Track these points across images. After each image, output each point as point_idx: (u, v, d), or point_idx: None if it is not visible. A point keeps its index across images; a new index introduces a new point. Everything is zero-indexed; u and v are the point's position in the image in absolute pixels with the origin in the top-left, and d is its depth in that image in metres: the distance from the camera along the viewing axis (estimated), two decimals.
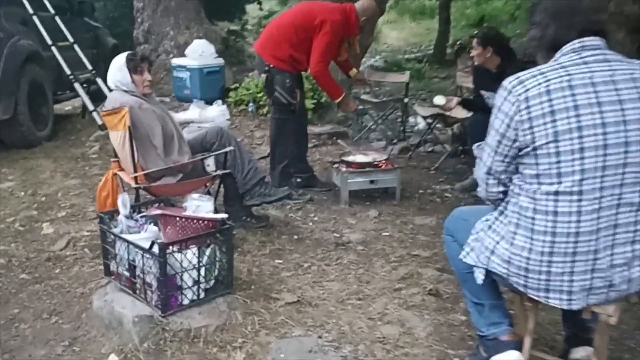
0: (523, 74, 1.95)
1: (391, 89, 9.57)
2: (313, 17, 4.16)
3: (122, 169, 3.51)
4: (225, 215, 2.85)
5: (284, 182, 4.42)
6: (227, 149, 3.45)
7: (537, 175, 1.92)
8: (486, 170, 2.08)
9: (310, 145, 5.75)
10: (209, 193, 3.63)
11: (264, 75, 4.32)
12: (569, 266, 1.90)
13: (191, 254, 2.65)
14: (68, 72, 6.27)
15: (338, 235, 3.78)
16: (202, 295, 2.75)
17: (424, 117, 5.52)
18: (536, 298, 2.00)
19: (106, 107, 3.38)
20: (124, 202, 2.85)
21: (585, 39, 1.94)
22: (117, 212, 2.87)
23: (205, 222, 2.73)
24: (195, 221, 2.70)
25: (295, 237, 3.76)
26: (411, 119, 6.72)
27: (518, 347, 2.18)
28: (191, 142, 3.63)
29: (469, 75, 5.62)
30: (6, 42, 5.61)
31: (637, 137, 1.85)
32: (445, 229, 2.47)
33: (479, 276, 2.12)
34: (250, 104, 6.47)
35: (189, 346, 2.53)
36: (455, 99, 4.56)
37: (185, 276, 2.66)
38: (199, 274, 2.70)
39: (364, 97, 6.38)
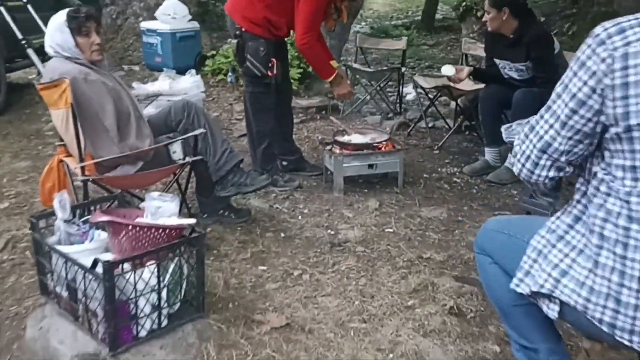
0: (624, 20, 1.34)
1: (378, 57, 8.90)
2: None
3: (69, 155, 2.85)
4: (193, 221, 2.22)
5: (267, 165, 3.79)
6: (197, 131, 2.80)
7: (634, 169, 1.34)
8: (541, 146, 1.49)
9: (296, 120, 5.11)
10: (177, 184, 2.99)
11: (234, 41, 3.63)
12: None
13: (148, 272, 2.03)
14: (20, 36, 5.48)
15: (333, 232, 3.18)
16: (164, 322, 2.14)
17: (424, 89, 4.89)
18: (628, 344, 1.43)
19: (44, 78, 2.70)
20: (61, 202, 2.20)
21: None
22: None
23: (168, 230, 2.10)
24: (153, 230, 2.07)
25: (282, 235, 3.15)
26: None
27: None
28: (153, 120, 2.96)
29: (477, 42, 5.00)
30: None
31: None
32: (476, 246, 1.88)
33: (553, 309, 1.52)
34: (230, 74, 5.79)
35: None
36: (466, 69, 3.93)
37: (142, 301, 2.05)
38: (159, 298, 2.09)
39: (356, 66, 5.71)
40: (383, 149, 3.74)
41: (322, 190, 3.76)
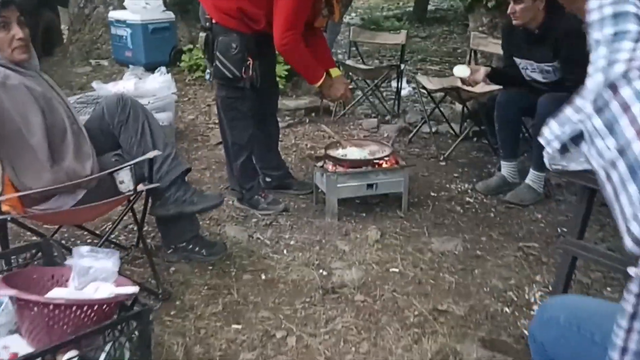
0: None
1: (369, 50, 8.26)
2: None
3: None
4: (134, 289, 1.61)
5: (246, 183, 3.18)
6: (151, 154, 2.18)
7: None
8: None
9: (282, 124, 4.50)
10: (132, 212, 2.37)
11: (203, 35, 3.01)
12: None
13: None
14: None
15: (325, 273, 2.58)
16: None
17: (427, 91, 4.29)
18: None
19: None
20: None
21: None
22: None
23: (97, 307, 1.49)
24: (75, 309, 1.46)
25: (264, 277, 2.55)
26: (393, 84, 5.39)
27: None
28: (87, 128, 2.34)
29: (488, 36, 4.39)
30: None
31: None
32: (532, 339, 1.32)
33: None
34: (207, 71, 5.12)
35: None
36: (483, 70, 3.34)
37: None
38: None
39: (349, 62, 5.10)
40: (384, 165, 3.14)
41: (312, 215, 3.16)
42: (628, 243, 0.89)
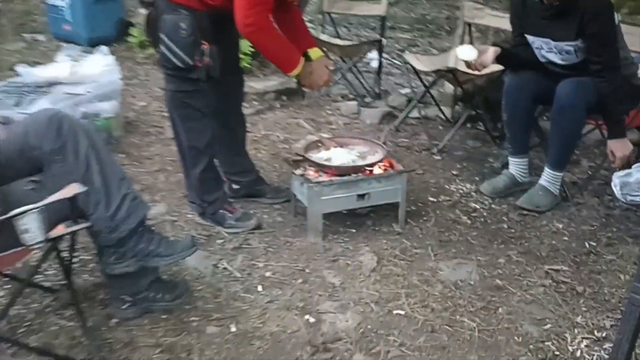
0: None
1: (337, 19, 7.58)
2: None
3: None
4: None
5: (208, 195, 2.59)
6: (71, 190, 1.56)
7: None
8: None
9: (250, 111, 3.90)
10: (58, 257, 1.76)
11: (144, 11, 2.37)
12: None
13: None
14: None
15: (313, 319, 2.03)
16: None
17: (417, 72, 3.72)
18: None
19: None
20: None
21: None
22: None
23: None
24: None
25: (233, 329, 1.99)
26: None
27: None
28: (2, 150, 1.71)
29: (484, 7, 3.83)
30: None
31: None
32: None
33: None
34: None
35: None
36: (492, 51, 2.77)
37: None
38: None
39: (324, 38, 4.47)
40: (378, 169, 2.57)
41: (291, 232, 2.59)
42: None
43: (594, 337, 1.95)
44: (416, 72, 3.73)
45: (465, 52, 2.73)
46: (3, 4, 5.72)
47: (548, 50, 2.79)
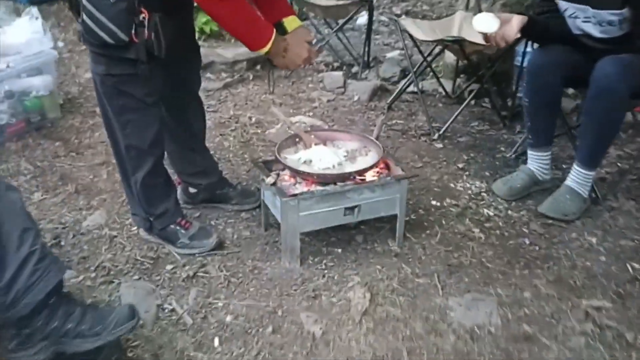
0: None
1: None
2: None
3: None
4: None
5: (155, 207, 2.04)
6: None
7: None
8: None
9: (217, 84, 3.32)
10: None
11: None
12: None
13: None
14: None
15: None
16: None
17: (415, 41, 3.12)
18: None
19: None
20: None
21: None
22: None
23: None
24: None
25: None
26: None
27: None
28: None
29: None
30: None
31: None
32: None
33: None
34: None
35: None
36: (516, 21, 2.19)
37: None
38: None
39: None
40: (371, 175, 2.02)
41: (260, 252, 2.05)
42: None
43: None
44: (414, 41, 3.13)
45: (483, 22, 2.15)
46: None
47: (585, 19, 2.22)
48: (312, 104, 3.35)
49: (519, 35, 2.22)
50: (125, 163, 1.97)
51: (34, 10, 2.81)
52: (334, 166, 1.99)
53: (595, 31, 2.22)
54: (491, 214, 2.33)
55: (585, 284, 1.95)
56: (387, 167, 2.08)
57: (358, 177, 1.96)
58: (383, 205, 2.02)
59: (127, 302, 1.76)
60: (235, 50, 3.72)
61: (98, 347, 1.51)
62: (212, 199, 2.30)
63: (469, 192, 2.48)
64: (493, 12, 2.21)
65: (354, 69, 3.90)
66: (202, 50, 2.14)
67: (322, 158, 2.01)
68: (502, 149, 2.88)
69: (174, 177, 2.22)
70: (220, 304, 1.81)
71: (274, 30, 1.81)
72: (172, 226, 2.05)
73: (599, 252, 2.11)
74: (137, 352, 1.61)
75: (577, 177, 2.32)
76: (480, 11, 3.08)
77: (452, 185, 2.54)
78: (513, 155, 2.78)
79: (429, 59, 3.25)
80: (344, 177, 1.94)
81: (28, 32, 2.72)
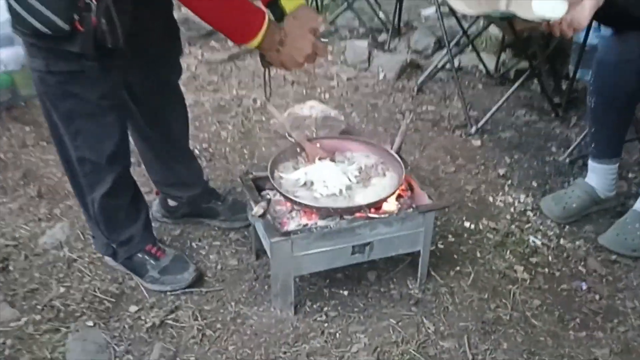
0: None
1: None
2: None
3: None
4: None
5: (117, 234, 1.65)
6: None
7: None
8: None
9: (218, 56, 2.89)
10: None
11: None
12: None
13: None
14: None
15: None
16: None
17: (456, 16, 2.60)
18: None
19: None
20: None
21: None
22: None
23: None
24: None
25: None
26: None
27: None
28: None
29: None
30: None
31: None
32: None
33: None
34: None
35: None
36: (589, 3, 1.67)
37: None
38: None
39: None
40: (388, 205, 1.58)
41: (247, 291, 1.66)
42: None
43: None
44: (453, 12, 2.61)
45: (547, 6, 1.63)
46: None
47: None
48: (330, 82, 2.88)
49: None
50: (79, 179, 1.56)
51: None
52: (341, 192, 1.55)
53: None
54: (539, 243, 1.87)
55: None
56: (411, 188, 1.64)
57: (371, 209, 1.52)
58: (403, 241, 1.59)
59: None
60: None
61: None
62: (196, 214, 1.89)
63: (511, 210, 2.02)
64: None
65: (381, 37, 3.39)
66: None
67: (327, 179, 1.57)
68: (554, 149, 2.39)
69: (147, 190, 1.82)
70: None
71: (266, 16, 1.35)
72: (139, 255, 1.66)
73: None
74: None
75: None
76: None
77: (490, 199, 2.08)
78: (567, 160, 2.29)
79: (470, 32, 2.73)
80: (353, 211, 1.51)
81: None
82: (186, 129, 1.81)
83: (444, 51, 2.77)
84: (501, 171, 2.23)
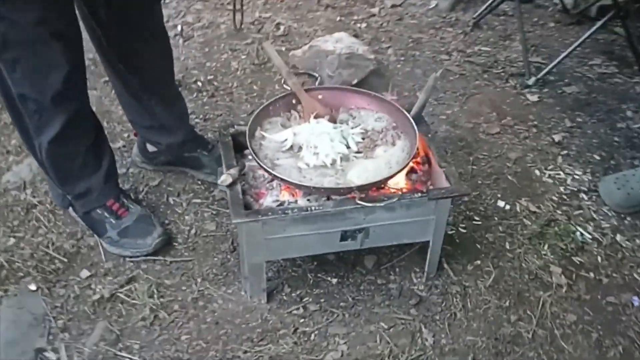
0: None
1: None
2: None
3: None
4: None
5: (73, 182, 1.41)
6: None
7: None
8: None
9: None
10: None
11: None
12: None
13: None
14: None
15: None
16: None
17: None
18: None
19: None
20: None
21: None
22: None
23: None
24: None
25: None
26: None
27: None
28: None
29: None
30: None
31: None
32: None
33: None
34: None
35: None
36: None
37: None
38: None
39: None
40: (393, 186, 1.25)
41: (218, 266, 1.40)
42: None
43: None
44: None
45: None
46: None
47: None
48: (371, 9, 2.46)
49: None
50: (24, 119, 1.30)
51: None
52: (334, 162, 1.23)
53: None
54: (588, 238, 1.51)
55: None
56: (428, 161, 1.29)
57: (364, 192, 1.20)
58: (407, 229, 1.27)
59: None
60: None
61: None
62: (180, 163, 1.62)
63: (561, 189, 1.64)
64: None
65: None
66: None
67: (318, 145, 1.24)
68: (629, 113, 1.94)
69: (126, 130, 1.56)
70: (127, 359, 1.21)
71: None
72: (98, 211, 1.42)
73: None
74: None
75: None
76: None
77: (536, 172, 1.70)
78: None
79: None
80: (341, 193, 1.18)
81: None
82: (170, 69, 1.50)
83: None
84: (557, 137, 1.82)
